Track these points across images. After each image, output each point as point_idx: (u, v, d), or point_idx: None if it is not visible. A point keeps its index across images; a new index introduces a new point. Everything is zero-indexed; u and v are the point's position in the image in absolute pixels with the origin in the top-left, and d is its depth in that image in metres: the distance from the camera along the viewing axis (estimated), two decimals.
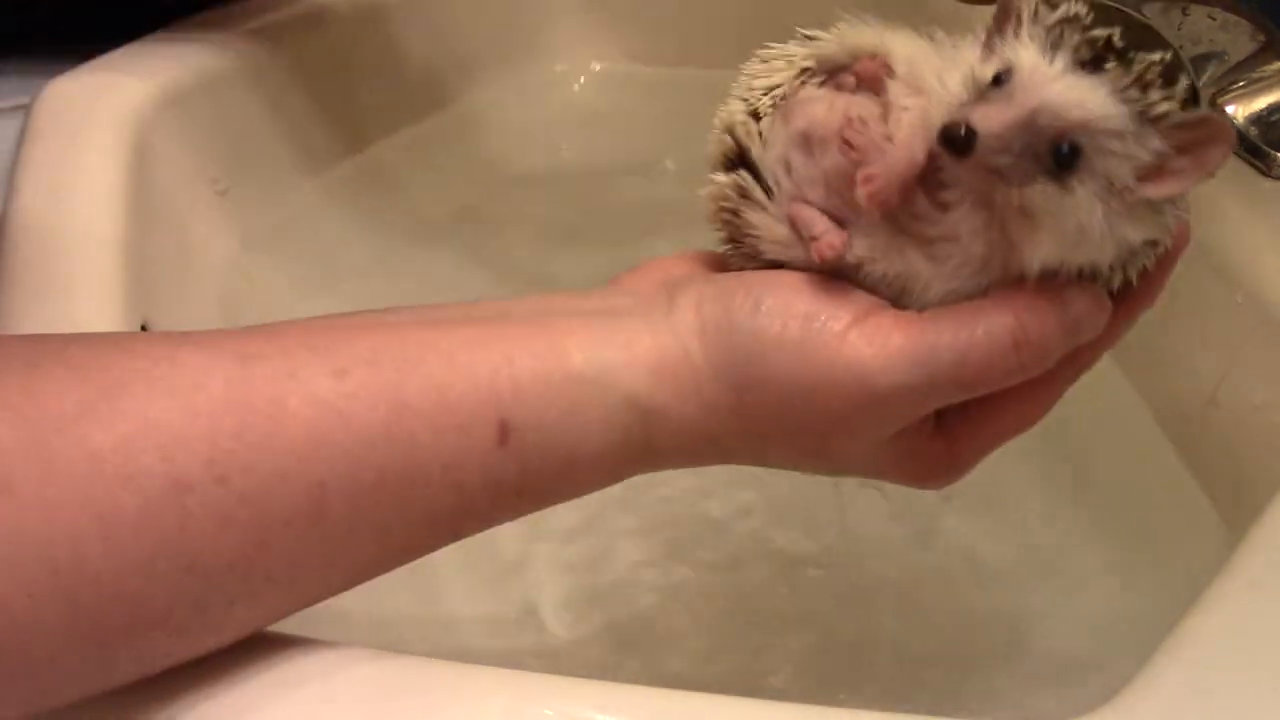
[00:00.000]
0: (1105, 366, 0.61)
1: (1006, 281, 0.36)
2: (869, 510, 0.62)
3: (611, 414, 0.36)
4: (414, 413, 0.34)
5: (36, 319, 0.51)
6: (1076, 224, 0.34)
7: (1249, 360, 0.56)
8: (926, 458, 0.39)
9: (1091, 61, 0.33)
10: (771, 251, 0.38)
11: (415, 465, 0.34)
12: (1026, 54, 0.34)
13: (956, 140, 0.33)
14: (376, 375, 0.34)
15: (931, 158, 0.35)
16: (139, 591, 0.31)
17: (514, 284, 0.76)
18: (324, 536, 0.33)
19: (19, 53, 0.76)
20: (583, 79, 0.91)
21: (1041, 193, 0.34)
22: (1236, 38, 0.63)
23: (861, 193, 0.35)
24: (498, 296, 0.40)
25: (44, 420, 0.31)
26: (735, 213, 0.39)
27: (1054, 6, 0.34)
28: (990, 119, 0.33)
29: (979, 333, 0.35)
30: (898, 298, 0.37)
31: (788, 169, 0.38)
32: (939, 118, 0.34)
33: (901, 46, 0.38)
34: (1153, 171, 0.34)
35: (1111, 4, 0.34)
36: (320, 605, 0.35)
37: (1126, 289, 0.37)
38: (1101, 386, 0.60)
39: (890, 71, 0.37)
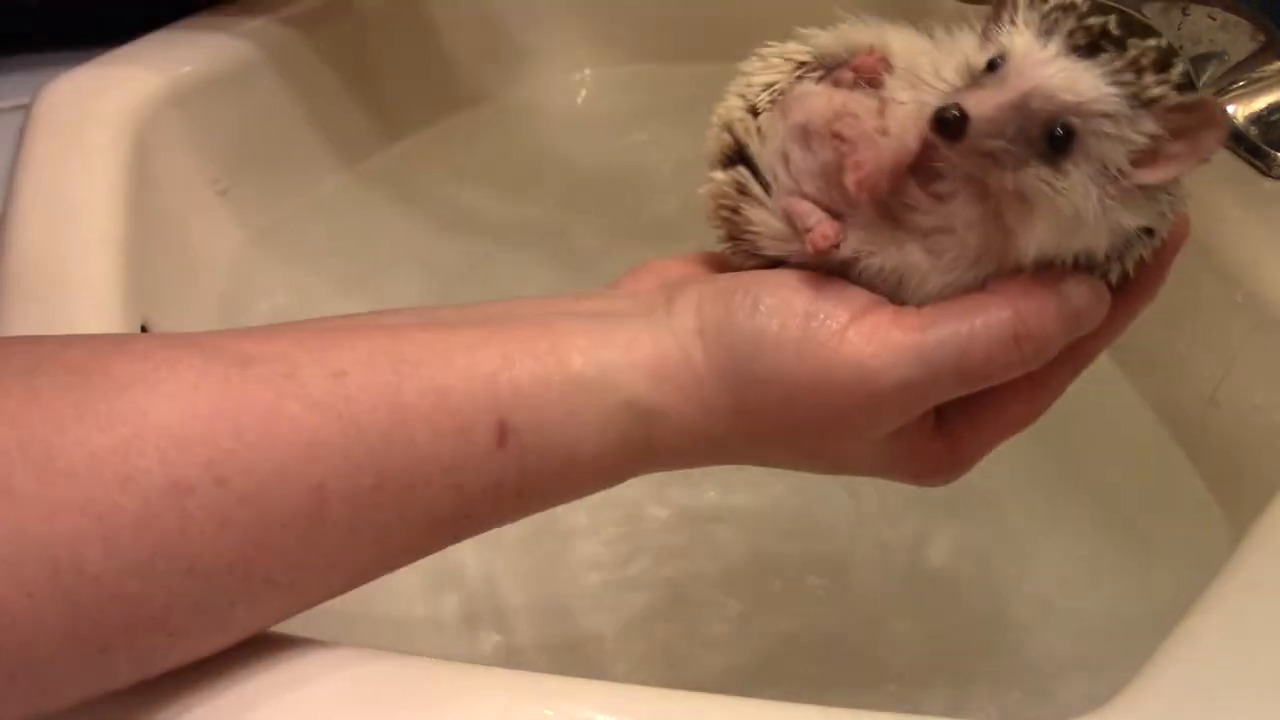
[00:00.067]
0: (1106, 367, 0.62)
1: (1003, 274, 0.36)
2: (867, 510, 0.62)
3: (611, 415, 0.36)
4: (413, 414, 0.34)
5: (36, 319, 0.51)
6: (1071, 208, 0.34)
7: (1249, 360, 0.56)
8: (928, 455, 0.39)
9: (1086, 48, 0.34)
10: (770, 247, 0.38)
11: (415, 467, 0.34)
12: (1020, 39, 0.34)
13: (949, 124, 0.33)
14: (375, 377, 0.34)
15: (927, 149, 0.35)
16: (139, 593, 0.31)
17: (515, 285, 0.76)
18: (324, 538, 0.33)
19: (19, 53, 0.76)
20: (585, 79, 0.91)
21: (1035, 176, 0.34)
22: (1236, 38, 0.63)
23: (850, 178, 0.35)
24: (498, 298, 0.40)
25: (44, 422, 0.31)
26: (734, 209, 0.39)
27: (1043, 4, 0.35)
28: (983, 102, 0.33)
29: (978, 326, 0.35)
30: (895, 292, 0.37)
31: (785, 163, 0.38)
32: (933, 108, 0.34)
33: (900, 43, 0.38)
34: (1147, 156, 0.34)
35: (1109, 1, 0.34)
36: (320, 605, 0.35)
37: (1125, 282, 0.37)
38: (1102, 387, 0.60)
39: (888, 66, 0.37)
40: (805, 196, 0.37)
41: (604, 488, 0.38)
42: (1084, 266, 0.36)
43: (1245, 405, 0.56)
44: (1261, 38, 0.63)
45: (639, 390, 0.36)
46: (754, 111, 0.39)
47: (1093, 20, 0.34)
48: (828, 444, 0.38)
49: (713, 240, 0.41)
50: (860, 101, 0.37)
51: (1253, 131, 0.61)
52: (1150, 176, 0.34)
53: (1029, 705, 0.54)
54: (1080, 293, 0.35)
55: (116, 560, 0.31)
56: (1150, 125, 0.34)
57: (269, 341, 0.34)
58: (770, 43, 0.40)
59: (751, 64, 0.40)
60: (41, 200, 0.59)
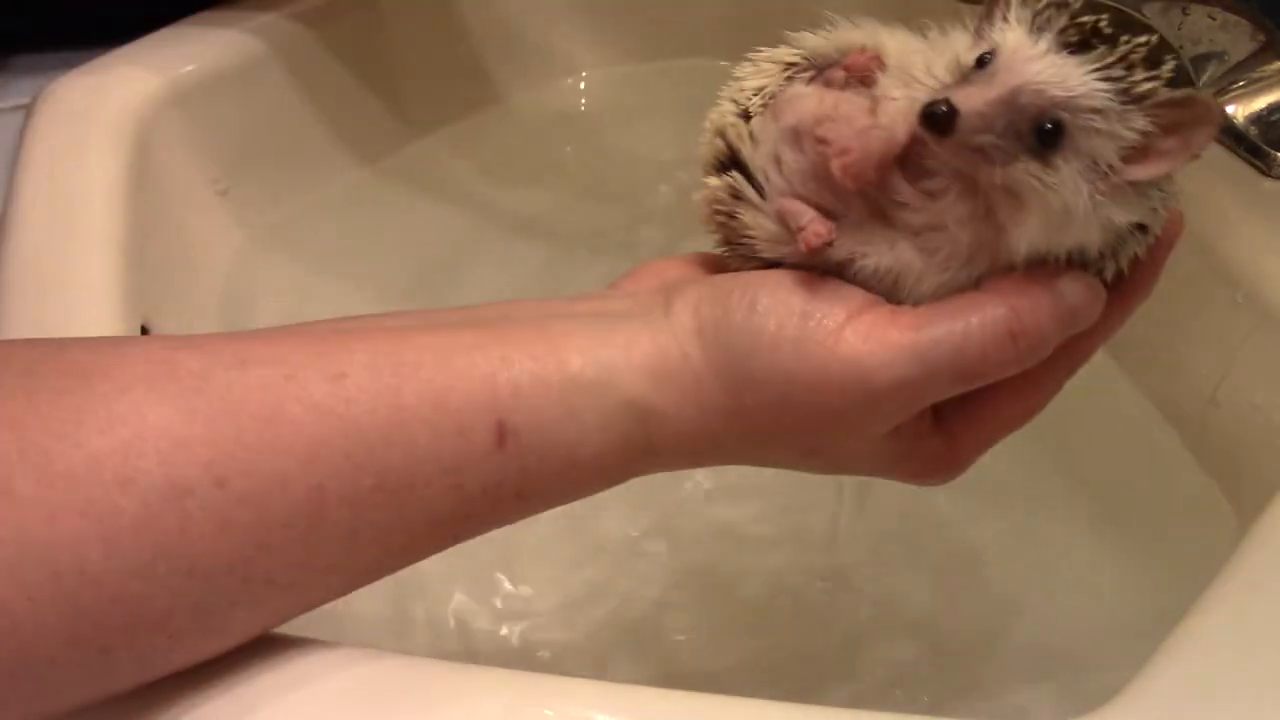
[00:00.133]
0: (1106, 366, 0.62)
1: (997, 272, 0.36)
2: (869, 509, 0.62)
3: (610, 416, 0.36)
4: (413, 416, 0.34)
5: (36, 319, 0.51)
6: (1061, 203, 0.34)
7: (1249, 360, 0.56)
8: (926, 454, 0.39)
9: (1078, 45, 0.34)
10: (767, 250, 0.38)
11: (414, 468, 0.34)
12: (1010, 35, 0.34)
13: (937, 119, 0.33)
14: (375, 379, 0.34)
15: (918, 146, 0.35)
16: (139, 594, 0.31)
17: (516, 286, 0.76)
18: (324, 539, 0.33)
19: (19, 53, 0.76)
20: (585, 79, 0.91)
21: (1025, 171, 0.34)
22: (1236, 38, 0.63)
23: (836, 164, 0.35)
24: (500, 299, 0.40)
25: (43, 425, 0.31)
26: (730, 215, 0.39)
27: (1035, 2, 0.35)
28: (971, 98, 0.33)
29: (974, 324, 0.35)
30: (891, 292, 0.37)
31: (778, 165, 0.38)
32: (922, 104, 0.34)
33: (894, 43, 0.38)
34: (1138, 152, 0.34)
35: (1107, 0, 0.34)
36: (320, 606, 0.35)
37: (1120, 279, 0.37)
38: (1102, 384, 0.60)
39: (881, 65, 0.37)
40: (798, 197, 0.37)
41: (604, 488, 0.38)
42: (1078, 264, 0.36)
43: (1245, 405, 0.56)
44: (1261, 38, 0.63)
45: (638, 390, 0.36)
46: (746, 116, 0.39)
47: (1085, 18, 0.34)
48: (826, 443, 0.38)
49: (711, 241, 0.41)
50: (852, 101, 0.37)
51: (1253, 131, 0.61)
52: (1141, 172, 0.34)
53: (1029, 705, 0.54)
54: (1075, 289, 0.35)
55: (117, 562, 0.31)
56: (1140, 121, 0.34)
57: (269, 344, 0.34)
58: (761, 48, 0.40)
59: (743, 68, 0.40)
60: (41, 200, 0.59)
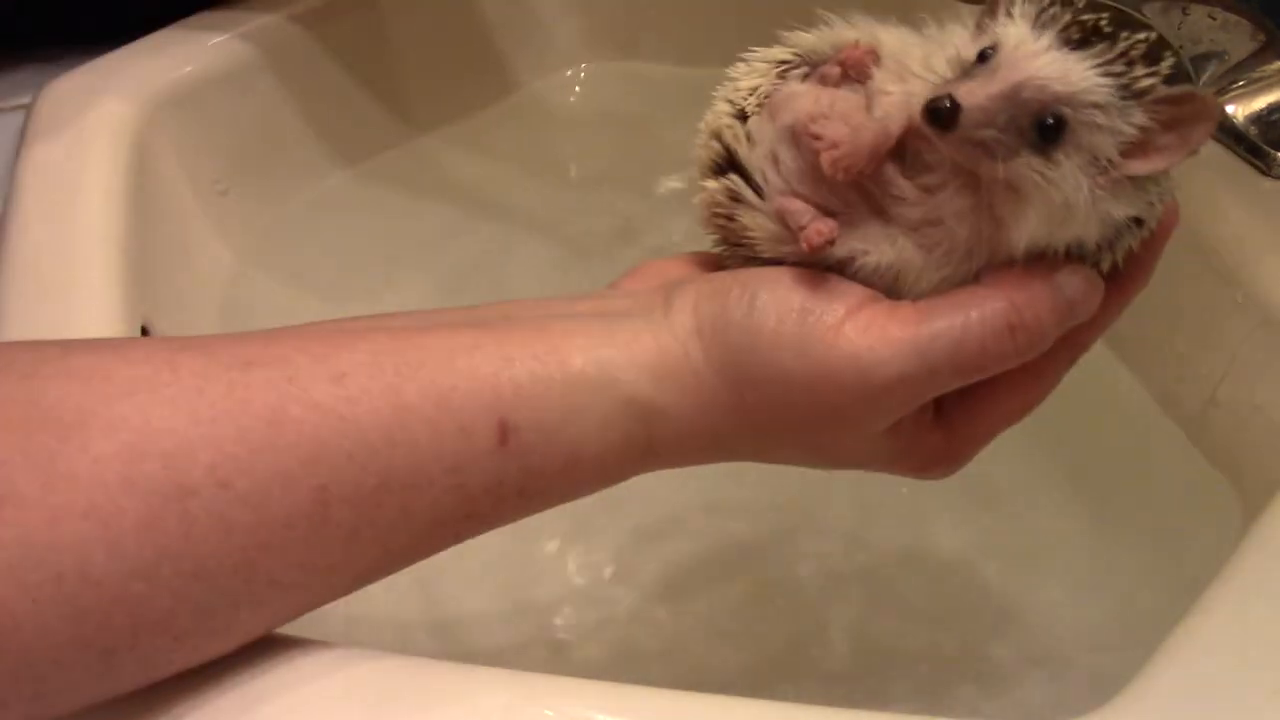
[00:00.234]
0: (1109, 364, 0.62)
1: (996, 266, 0.36)
2: (866, 506, 0.62)
3: (611, 415, 0.36)
4: (415, 415, 0.34)
5: (36, 320, 0.51)
6: (1062, 198, 0.34)
7: (1249, 360, 0.56)
8: (926, 448, 0.39)
9: (1079, 43, 0.34)
10: (768, 250, 0.38)
11: (417, 468, 0.34)
12: (1013, 30, 0.34)
13: (940, 114, 0.33)
14: (377, 379, 0.34)
15: (916, 140, 0.36)
16: (142, 595, 0.31)
17: (518, 289, 0.76)
18: (327, 539, 0.33)
19: (19, 53, 0.76)
20: (581, 78, 0.91)
21: (1026, 165, 0.34)
22: (1236, 38, 0.63)
23: (825, 158, 0.35)
24: (499, 297, 0.40)
25: (46, 428, 0.31)
26: (729, 217, 0.39)
27: None
28: (974, 93, 0.34)
29: (973, 318, 0.35)
30: (891, 289, 0.37)
31: (776, 165, 0.38)
32: (922, 98, 0.34)
33: (890, 39, 0.38)
34: (1137, 147, 0.34)
35: (1108, 1, 0.35)
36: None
37: (1115, 271, 0.37)
38: (1104, 381, 0.60)
39: (876, 59, 0.37)
40: (797, 196, 0.37)
41: (606, 486, 0.38)
42: (1075, 257, 0.36)
43: (1245, 404, 0.56)
44: (1261, 37, 0.63)
45: (640, 388, 0.36)
46: (742, 116, 0.39)
47: (1087, 16, 0.34)
48: (827, 439, 0.38)
49: (710, 240, 0.41)
50: (847, 99, 0.37)
51: (1253, 131, 0.61)
52: (1140, 168, 0.34)
53: (1029, 705, 0.54)
54: (1074, 282, 0.36)
55: (120, 564, 0.31)
56: (1140, 116, 0.34)
57: (270, 345, 0.35)
58: (755, 48, 0.40)
59: (738, 68, 0.40)
60: (41, 200, 0.59)
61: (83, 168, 0.61)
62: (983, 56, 0.35)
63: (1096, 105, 0.33)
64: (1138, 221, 0.36)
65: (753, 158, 0.38)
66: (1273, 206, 0.59)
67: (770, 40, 0.40)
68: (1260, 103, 0.62)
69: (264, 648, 0.34)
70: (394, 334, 0.36)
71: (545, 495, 0.37)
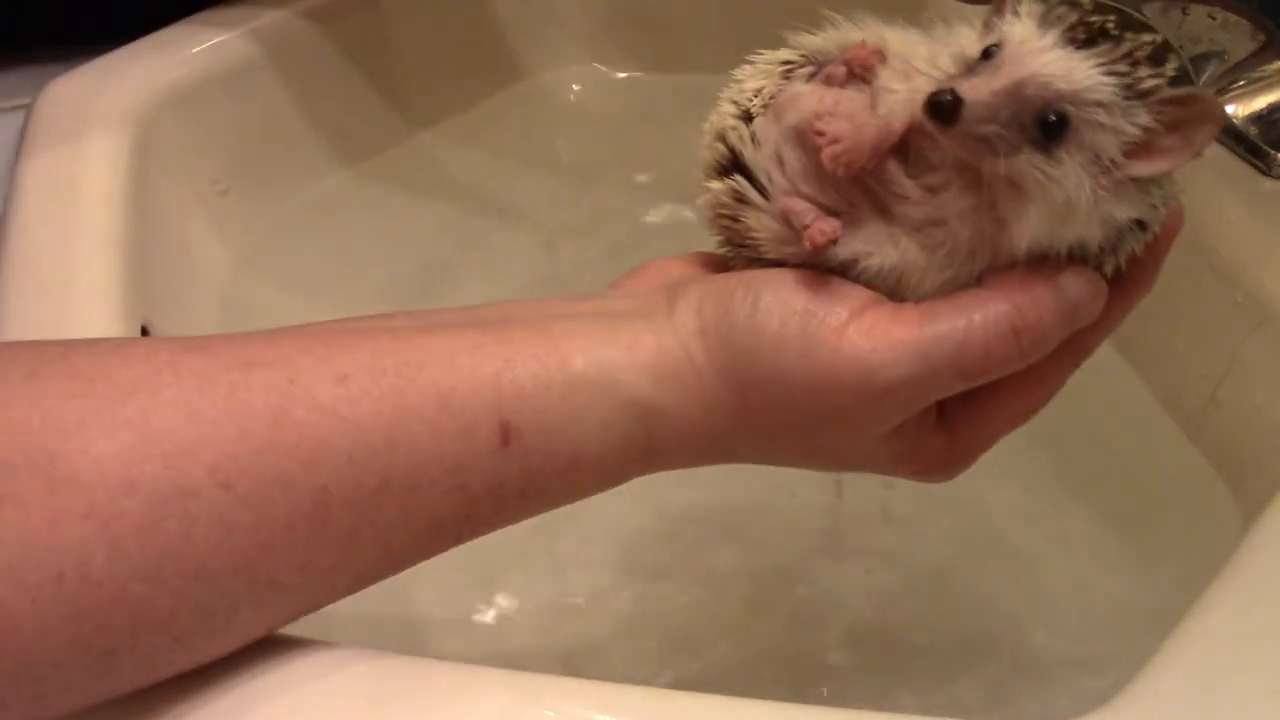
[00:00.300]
0: (1111, 361, 0.62)
1: (999, 268, 0.36)
2: (866, 506, 0.62)
3: (614, 415, 0.36)
4: (416, 417, 0.34)
5: (36, 320, 0.51)
6: (1064, 196, 0.34)
7: (1249, 360, 0.56)
8: (929, 451, 0.39)
9: (1084, 42, 0.34)
10: (772, 251, 0.38)
11: (418, 468, 0.34)
12: (1018, 28, 0.34)
13: (942, 108, 0.33)
14: (378, 380, 0.34)
15: (920, 138, 0.36)
16: (143, 596, 0.31)
17: (516, 288, 0.76)
18: (328, 540, 0.33)
19: (19, 53, 0.76)
20: (581, 84, 0.91)
21: (1028, 163, 0.34)
22: (1236, 37, 0.63)
23: (826, 154, 0.35)
24: (497, 299, 0.40)
25: (47, 429, 0.31)
26: (733, 218, 0.39)
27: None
28: (977, 88, 0.34)
29: (976, 321, 0.35)
30: (895, 291, 0.37)
31: (780, 165, 0.38)
32: (926, 94, 0.34)
33: (897, 39, 0.38)
34: (1140, 148, 0.34)
35: (1109, 1, 0.34)
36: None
37: (1119, 275, 0.37)
38: (1105, 383, 0.60)
39: (882, 58, 0.37)
40: (801, 196, 0.37)
41: (607, 487, 0.38)
42: (1079, 259, 0.36)
43: (1246, 404, 0.56)
44: (1261, 37, 0.63)
45: (641, 390, 0.36)
46: (747, 117, 0.39)
47: (1094, 18, 0.34)
48: (829, 441, 0.38)
49: (713, 240, 0.41)
50: (853, 98, 0.37)
51: (1253, 131, 0.61)
52: (1143, 169, 0.34)
53: (1029, 704, 0.54)
54: (1077, 285, 0.35)
55: (121, 565, 0.31)
56: (1144, 117, 0.34)
57: (272, 346, 0.35)
58: (762, 50, 0.40)
59: (743, 70, 0.40)
60: (42, 200, 0.59)
61: (83, 168, 0.61)
62: (987, 54, 0.35)
63: (1100, 104, 0.33)
64: (1141, 225, 0.36)
65: (758, 158, 0.38)
66: (1273, 206, 0.59)
67: (777, 43, 0.40)
68: (1260, 103, 0.62)
69: (264, 648, 0.34)
70: (395, 334, 0.36)
71: (546, 496, 0.37)
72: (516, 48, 0.89)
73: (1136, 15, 0.34)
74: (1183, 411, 0.60)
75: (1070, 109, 0.33)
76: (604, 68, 0.91)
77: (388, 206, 0.79)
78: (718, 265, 0.41)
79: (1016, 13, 0.35)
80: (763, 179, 0.38)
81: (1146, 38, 0.34)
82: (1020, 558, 0.60)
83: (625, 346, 0.36)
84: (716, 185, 0.40)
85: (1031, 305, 0.35)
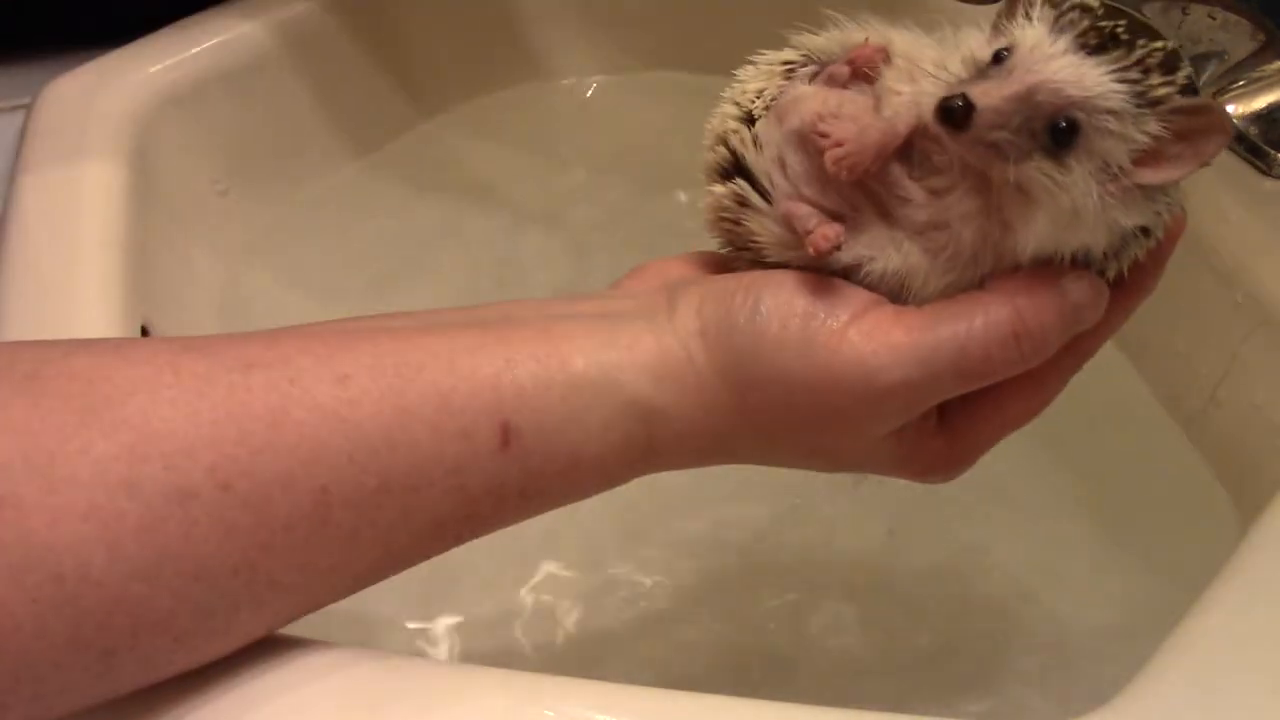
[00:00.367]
0: (1113, 360, 0.62)
1: (1002, 272, 0.36)
2: (866, 506, 0.62)
3: (614, 416, 0.36)
4: (416, 417, 0.34)
5: (36, 320, 0.51)
6: (1071, 203, 0.34)
7: (1249, 360, 0.56)
8: (930, 452, 0.39)
9: (1096, 48, 0.34)
10: (774, 254, 0.38)
11: (418, 469, 0.34)
12: (1030, 33, 0.34)
13: (954, 114, 0.33)
14: (378, 381, 0.34)
15: (925, 140, 0.35)
16: (143, 596, 0.31)
17: (516, 288, 0.76)
18: (328, 541, 0.33)
19: (19, 53, 0.76)
20: (591, 87, 0.91)
21: (1037, 169, 0.34)
22: (1236, 37, 0.63)
23: (829, 157, 0.35)
24: (502, 297, 0.40)
25: (47, 430, 0.31)
26: (735, 221, 0.39)
27: (1060, 2, 0.35)
28: (989, 94, 0.33)
29: (978, 324, 0.35)
30: (897, 294, 0.37)
31: (783, 168, 0.38)
32: (934, 98, 0.34)
33: (903, 40, 0.38)
34: (1148, 156, 0.34)
35: (1113, 4, 0.34)
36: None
37: (1121, 279, 0.37)
38: (1105, 382, 0.60)
39: (886, 58, 0.37)
40: (804, 200, 0.37)
41: (607, 488, 0.38)
42: (1081, 265, 0.36)
43: (1246, 404, 0.56)
44: (1261, 37, 0.63)
45: (642, 391, 0.36)
46: (749, 119, 0.39)
47: (1105, 23, 0.34)
48: (828, 441, 0.38)
49: (714, 241, 0.41)
50: (855, 100, 0.37)
51: (1253, 131, 0.61)
52: (1151, 177, 0.34)
53: (1029, 705, 0.54)
54: (1079, 289, 0.35)
55: (121, 565, 0.31)
56: (1153, 125, 0.34)
57: (272, 346, 0.35)
58: (764, 50, 0.40)
59: (745, 70, 0.40)
60: (41, 200, 0.59)
61: (83, 168, 0.61)
62: (998, 58, 0.35)
63: (1111, 111, 0.33)
64: (1144, 231, 0.36)
65: (759, 162, 0.38)
66: (1273, 206, 0.59)
67: (781, 44, 0.40)
68: (1260, 103, 0.62)
69: (264, 648, 0.34)
70: (395, 335, 0.36)
71: (546, 496, 0.37)
72: (523, 46, 0.89)
73: (1146, 20, 0.34)
74: (1183, 411, 0.60)
75: (1081, 116, 0.33)
76: (617, 65, 0.91)
77: (389, 206, 0.79)
78: (718, 265, 0.41)
79: (1028, 16, 0.35)
80: (765, 182, 0.38)
81: (1158, 44, 0.34)
82: (1019, 557, 0.60)
83: (626, 347, 0.36)
84: (718, 189, 0.40)
85: (1033, 309, 0.35)
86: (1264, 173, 0.61)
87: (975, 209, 0.35)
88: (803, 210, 0.37)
